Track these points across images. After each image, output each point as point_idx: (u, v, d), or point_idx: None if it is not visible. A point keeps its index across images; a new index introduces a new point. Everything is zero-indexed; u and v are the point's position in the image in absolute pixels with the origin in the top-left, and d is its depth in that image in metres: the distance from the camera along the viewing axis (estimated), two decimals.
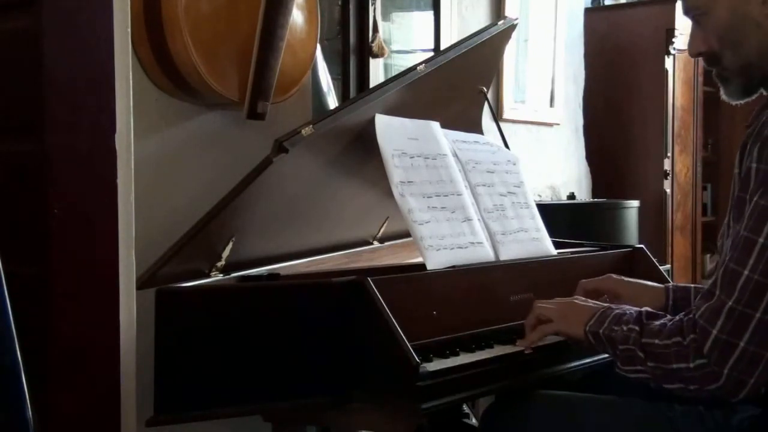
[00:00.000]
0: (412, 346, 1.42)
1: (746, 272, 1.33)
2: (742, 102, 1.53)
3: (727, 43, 1.48)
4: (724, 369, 1.33)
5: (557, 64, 4.27)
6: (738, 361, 1.32)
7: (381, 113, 1.81)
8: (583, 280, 1.79)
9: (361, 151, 1.86)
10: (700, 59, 1.55)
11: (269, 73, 2.09)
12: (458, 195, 1.86)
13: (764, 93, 1.51)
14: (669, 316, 1.45)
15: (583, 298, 1.65)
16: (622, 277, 1.79)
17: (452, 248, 1.75)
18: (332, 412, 1.65)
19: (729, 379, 1.33)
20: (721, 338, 1.33)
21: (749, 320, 1.32)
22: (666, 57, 4.48)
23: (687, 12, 1.53)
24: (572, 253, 2.14)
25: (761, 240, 1.33)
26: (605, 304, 1.57)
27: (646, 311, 1.48)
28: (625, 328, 1.46)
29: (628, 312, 1.50)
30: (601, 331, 1.50)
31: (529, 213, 2.04)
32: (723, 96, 1.54)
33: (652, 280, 1.87)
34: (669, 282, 1.90)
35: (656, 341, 1.41)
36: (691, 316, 1.38)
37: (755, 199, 1.35)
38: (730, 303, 1.34)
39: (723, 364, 1.33)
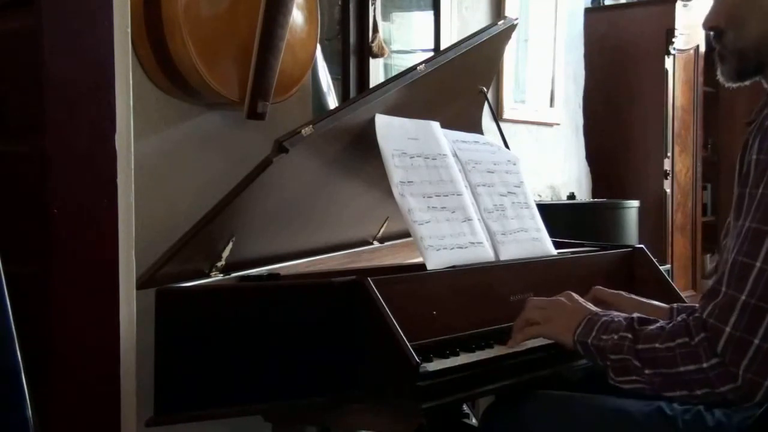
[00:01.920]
0: (412, 346, 1.42)
1: (758, 264, 1.27)
2: (734, 86, 1.51)
3: (732, 22, 1.48)
4: (740, 369, 1.26)
5: (557, 64, 4.27)
6: (752, 360, 1.26)
7: (381, 113, 1.81)
8: (598, 288, 1.75)
9: (361, 151, 1.86)
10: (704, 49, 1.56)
11: (269, 73, 2.08)
12: (458, 195, 1.86)
13: (765, 87, 1.49)
14: (663, 321, 1.41)
15: (573, 296, 1.60)
16: (632, 296, 1.74)
17: (452, 248, 1.75)
18: (332, 412, 1.65)
19: (744, 380, 1.27)
20: (735, 335, 1.27)
21: (764, 315, 1.26)
22: (666, 57, 4.48)
23: None
24: (572, 253, 2.14)
25: None
26: (592, 309, 1.53)
27: (638, 317, 1.43)
28: (615, 336, 1.42)
29: (616, 319, 1.45)
30: (589, 341, 1.47)
31: (529, 213, 2.04)
32: (718, 75, 1.53)
33: (651, 281, 1.86)
34: (669, 283, 1.90)
35: (656, 345, 1.35)
36: (697, 315, 1.32)
37: (760, 189, 1.30)
38: (743, 297, 1.27)
39: (738, 364, 1.26)
